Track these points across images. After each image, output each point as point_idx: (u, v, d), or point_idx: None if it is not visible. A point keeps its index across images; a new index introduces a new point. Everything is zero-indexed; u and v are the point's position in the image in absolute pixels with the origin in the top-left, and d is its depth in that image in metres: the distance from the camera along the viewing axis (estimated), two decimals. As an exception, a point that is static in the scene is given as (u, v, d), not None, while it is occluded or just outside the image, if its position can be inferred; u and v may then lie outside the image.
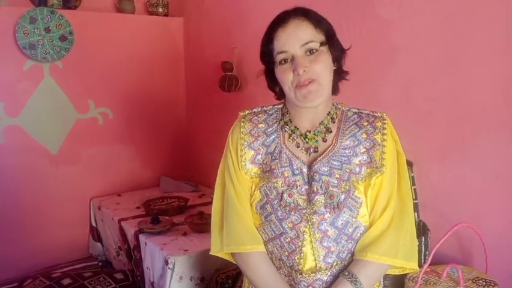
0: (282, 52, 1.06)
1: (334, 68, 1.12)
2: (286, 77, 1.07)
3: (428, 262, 1.43)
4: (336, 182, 1.09)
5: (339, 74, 1.16)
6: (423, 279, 1.48)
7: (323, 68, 1.06)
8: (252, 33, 2.57)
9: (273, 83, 1.17)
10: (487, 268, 1.51)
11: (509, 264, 1.53)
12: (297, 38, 1.05)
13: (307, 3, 1.14)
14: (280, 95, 1.19)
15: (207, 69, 3.01)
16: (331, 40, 1.10)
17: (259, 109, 1.22)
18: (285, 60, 1.07)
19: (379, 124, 1.13)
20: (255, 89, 2.60)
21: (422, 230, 1.65)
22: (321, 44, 1.07)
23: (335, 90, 1.17)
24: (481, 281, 1.45)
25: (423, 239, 1.58)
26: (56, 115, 2.81)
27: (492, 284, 1.43)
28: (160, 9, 3.18)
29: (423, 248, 1.57)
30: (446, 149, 1.69)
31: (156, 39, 3.15)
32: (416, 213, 1.69)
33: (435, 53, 1.68)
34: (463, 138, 1.63)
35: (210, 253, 1.22)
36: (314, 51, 1.06)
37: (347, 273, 1.07)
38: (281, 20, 1.09)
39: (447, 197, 1.70)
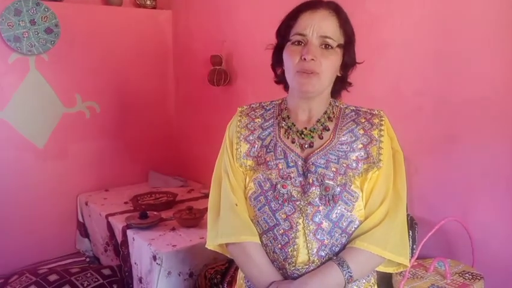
0: (300, 34, 1.07)
1: (339, 74, 1.14)
2: (292, 59, 1.07)
3: (416, 256, 1.44)
4: (332, 175, 1.09)
5: (343, 83, 1.18)
6: (411, 272, 1.49)
7: (329, 65, 1.08)
8: (241, 27, 2.56)
9: (278, 62, 1.17)
10: (473, 262, 1.53)
11: (495, 258, 1.54)
12: (319, 27, 1.06)
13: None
14: (280, 77, 1.20)
15: (195, 62, 2.98)
16: (348, 46, 1.12)
17: (257, 104, 1.24)
18: (299, 42, 1.08)
19: (376, 121, 1.14)
20: (244, 83, 2.59)
21: (409, 224, 1.66)
22: (338, 45, 1.09)
23: (335, 95, 1.20)
24: (467, 275, 1.47)
25: (410, 233, 1.59)
26: (43, 109, 2.76)
27: (478, 278, 1.45)
28: (148, 2, 3.13)
29: (410, 242, 1.59)
30: (434, 144, 1.70)
31: (144, 32, 3.11)
32: (404, 208, 1.70)
33: (425, 48, 1.68)
34: (450, 133, 1.64)
35: (206, 246, 1.22)
36: (329, 47, 1.07)
37: (335, 258, 1.08)
38: (313, 4, 1.09)
39: (435, 192, 1.71)
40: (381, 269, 1.16)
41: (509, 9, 1.42)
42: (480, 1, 1.50)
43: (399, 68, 1.78)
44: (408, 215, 1.70)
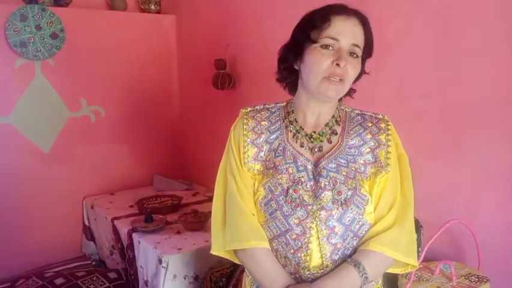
0: (333, 38, 1.05)
1: None
2: (322, 62, 1.04)
3: (421, 259, 1.44)
4: (343, 179, 1.09)
5: (349, 90, 1.17)
6: (417, 275, 1.49)
7: (354, 74, 1.08)
8: (246, 31, 2.57)
9: (292, 59, 1.13)
10: (479, 264, 1.53)
11: (500, 260, 1.54)
12: (352, 35, 1.06)
13: (301, 2, 1.14)
14: (284, 76, 1.18)
15: (199, 66, 3.00)
16: (366, 57, 1.13)
17: (261, 106, 1.22)
18: (328, 47, 1.05)
19: (383, 125, 1.15)
20: (249, 87, 2.60)
21: (415, 227, 1.66)
22: (361, 56, 1.09)
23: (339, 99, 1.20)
24: (473, 277, 1.46)
25: (416, 236, 1.59)
26: (48, 113, 2.78)
27: (484, 280, 1.44)
28: (152, 7, 3.16)
29: (416, 244, 1.58)
30: (438, 146, 1.70)
31: (148, 36, 3.13)
32: (409, 210, 1.70)
33: (428, 51, 1.68)
34: (455, 136, 1.64)
35: (211, 252, 1.20)
36: (355, 56, 1.07)
37: (350, 260, 1.08)
38: (344, 10, 1.08)
39: (439, 194, 1.71)
40: (390, 270, 1.16)
41: (513, 12, 1.43)
42: (484, 5, 1.50)
43: (403, 71, 1.78)
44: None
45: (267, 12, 2.32)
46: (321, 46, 1.05)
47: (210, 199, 1.28)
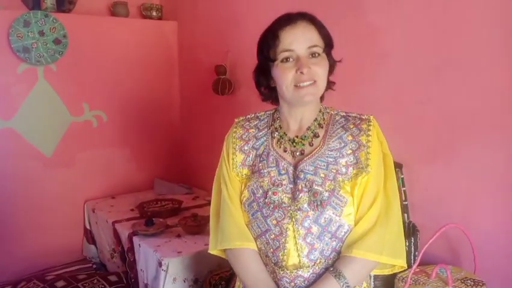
0: (287, 50, 1.10)
1: None
2: (286, 76, 1.10)
3: (417, 262, 1.46)
4: (320, 181, 1.12)
5: (328, 83, 1.20)
6: (413, 279, 1.50)
7: (323, 72, 1.12)
8: (245, 37, 2.59)
9: (264, 81, 1.20)
10: (475, 268, 1.54)
11: (496, 264, 1.56)
12: (304, 39, 1.10)
13: (299, 8, 1.17)
14: (266, 95, 1.25)
15: (200, 72, 3.02)
16: (329, 49, 1.16)
17: (253, 115, 1.30)
18: (288, 59, 1.10)
19: (364, 126, 1.17)
20: (248, 92, 2.62)
21: (411, 230, 1.68)
22: (323, 50, 1.13)
23: (321, 98, 1.23)
24: (469, 281, 1.48)
25: (412, 240, 1.61)
26: (50, 118, 2.81)
27: (480, 284, 1.46)
28: (154, 13, 3.19)
29: (412, 248, 1.60)
30: (435, 151, 1.72)
31: (150, 42, 3.17)
32: (405, 215, 1.72)
33: (425, 58, 1.71)
34: (451, 141, 1.66)
35: (208, 251, 1.29)
36: (317, 55, 1.11)
37: (331, 269, 1.11)
38: (288, 20, 1.12)
39: (436, 199, 1.73)
40: (377, 272, 1.19)
41: (509, 20, 1.45)
42: (480, 12, 1.53)
43: (400, 78, 1.80)
44: (410, 222, 1.72)
45: (266, 20, 2.35)
46: (281, 61, 1.11)
47: (210, 203, 1.34)
